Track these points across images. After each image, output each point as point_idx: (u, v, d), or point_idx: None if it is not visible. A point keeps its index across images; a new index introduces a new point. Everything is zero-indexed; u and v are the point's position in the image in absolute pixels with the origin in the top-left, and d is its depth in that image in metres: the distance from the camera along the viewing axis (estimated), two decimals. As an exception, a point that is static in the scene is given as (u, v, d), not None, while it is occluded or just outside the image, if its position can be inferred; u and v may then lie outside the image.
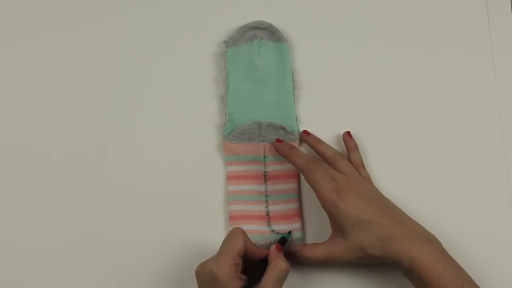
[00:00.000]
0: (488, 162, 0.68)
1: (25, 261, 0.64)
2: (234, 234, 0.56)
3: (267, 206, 0.65)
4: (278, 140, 0.65)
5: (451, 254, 0.57)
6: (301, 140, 0.67)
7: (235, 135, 0.66)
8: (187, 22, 0.71)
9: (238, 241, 0.55)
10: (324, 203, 0.59)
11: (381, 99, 0.69)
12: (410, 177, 0.67)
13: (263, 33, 0.69)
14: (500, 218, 0.66)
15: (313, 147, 0.66)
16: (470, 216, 0.66)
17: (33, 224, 0.65)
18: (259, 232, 0.64)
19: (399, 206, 0.61)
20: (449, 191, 0.66)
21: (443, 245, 0.58)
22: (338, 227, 0.59)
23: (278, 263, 0.55)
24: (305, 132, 0.67)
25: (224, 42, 0.70)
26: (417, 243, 0.56)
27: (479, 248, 0.64)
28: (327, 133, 0.68)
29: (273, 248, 0.57)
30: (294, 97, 0.69)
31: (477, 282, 0.56)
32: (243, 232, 0.56)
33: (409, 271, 0.56)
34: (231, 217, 0.65)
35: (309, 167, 0.60)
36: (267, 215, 0.65)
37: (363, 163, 0.65)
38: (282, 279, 0.55)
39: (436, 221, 0.62)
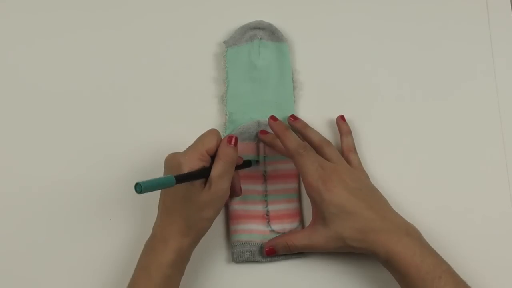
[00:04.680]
0: (488, 161, 0.68)
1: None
2: (208, 133, 0.58)
3: (266, 206, 0.65)
4: (272, 118, 0.64)
5: (450, 253, 0.58)
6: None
7: (235, 134, 0.66)
8: (187, 22, 0.71)
9: (210, 140, 0.57)
10: (309, 190, 0.60)
11: (381, 99, 0.70)
12: (410, 177, 0.67)
13: (263, 33, 0.69)
14: (500, 218, 0.66)
15: (300, 133, 0.66)
16: (470, 216, 0.66)
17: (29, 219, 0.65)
18: (259, 232, 0.64)
19: (396, 205, 0.62)
20: (449, 191, 0.67)
21: (443, 245, 0.59)
22: (320, 214, 0.60)
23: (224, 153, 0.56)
24: (293, 116, 0.67)
25: (224, 42, 0.70)
26: (395, 236, 0.57)
27: (479, 247, 0.64)
28: (327, 133, 0.68)
29: (224, 140, 0.58)
30: (294, 97, 0.69)
31: (477, 281, 0.57)
32: (217, 134, 0.58)
33: (387, 262, 0.57)
34: (231, 217, 0.65)
35: (299, 152, 0.60)
36: (267, 215, 0.65)
37: (355, 148, 0.66)
38: (229, 169, 0.57)
39: (434, 220, 0.63)
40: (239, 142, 0.66)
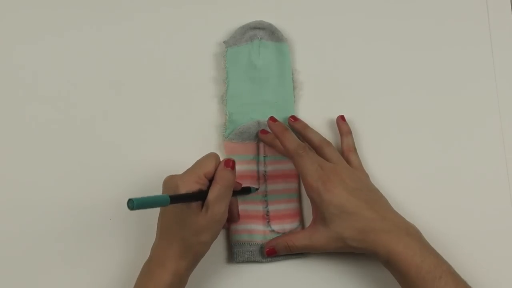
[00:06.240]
0: (488, 161, 0.68)
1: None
2: (207, 157, 0.57)
3: (267, 206, 0.65)
4: (272, 119, 0.64)
5: (451, 253, 0.58)
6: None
7: (235, 134, 0.67)
8: (187, 22, 0.71)
9: (208, 164, 0.56)
10: (309, 190, 0.60)
11: (381, 99, 0.70)
12: (410, 177, 0.67)
13: (263, 33, 0.69)
14: (500, 217, 0.66)
15: (300, 133, 0.66)
16: (470, 216, 0.66)
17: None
18: (259, 232, 0.64)
19: (397, 205, 0.62)
20: (449, 191, 0.67)
21: (443, 244, 0.59)
22: (320, 215, 0.60)
23: (221, 177, 0.56)
24: (293, 117, 0.67)
25: (224, 42, 0.70)
26: (395, 236, 0.58)
27: (479, 247, 0.65)
28: (327, 133, 0.68)
29: (221, 163, 0.57)
30: (294, 97, 0.69)
31: (477, 281, 0.57)
32: (216, 158, 0.57)
33: (387, 262, 0.58)
34: (231, 217, 0.65)
35: (298, 153, 0.60)
36: (267, 215, 0.65)
37: (355, 148, 0.66)
38: (226, 193, 0.56)
39: (435, 220, 0.63)
40: (239, 143, 0.66)
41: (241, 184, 0.63)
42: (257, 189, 0.65)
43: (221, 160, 0.58)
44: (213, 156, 0.57)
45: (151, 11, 0.71)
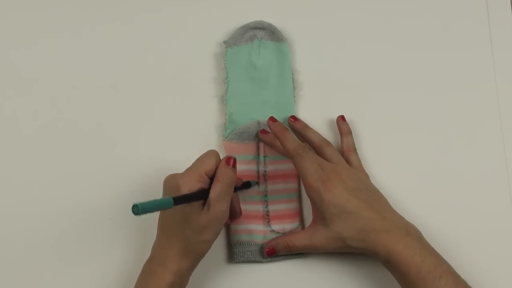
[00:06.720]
0: (488, 161, 0.68)
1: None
2: (207, 154, 0.57)
3: (266, 206, 0.65)
4: (271, 119, 0.64)
5: (450, 253, 0.58)
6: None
7: (235, 134, 0.67)
8: (187, 22, 0.71)
9: (209, 162, 0.56)
10: (309, 190, 0.60)
11: (381, 99, 0.70)
12: (410, 177, 0.67)
13: (263, 33, 0.69)
14: (500, 217, 0.66)
15: (300, 133, 0.66)
16: (470, 216, 0.66)
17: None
18: (259, 232, 0.64)
19: (397, 205, 0.62)
20: (449, 191, 0.67)
21: (443, 244, 0.59)
22: (320, 215, 0.60)
23: (223, 175, 0.56)
24: (293, 117, 0.67)
25: (224, 42, 0.70)
26: (395, 236, 0.58)
27: (479, 247, 0.65)
28: (327, 133, 0.68)
29: (222, 161, 0.57)
30: (294, 97, 0.69)
31: (476, 281, 0.57)
32: (216, 155, 0.57)
33: (387, 262, 0.58)
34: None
35: (298, 153, 0.60)
36: (267, 215, 0.65)
37: (355, 148, 0.66)
38: (227, 191, 0.56)
39: (435, 220, 0.63)
40: (239, 143, 0.66)
41: (241, 180, 0.63)
42: (257, 183, 0.65)
43: (221, 158, 0.58)
44: (213, 153, 0.57)
45: (151, 11, 0.71)
